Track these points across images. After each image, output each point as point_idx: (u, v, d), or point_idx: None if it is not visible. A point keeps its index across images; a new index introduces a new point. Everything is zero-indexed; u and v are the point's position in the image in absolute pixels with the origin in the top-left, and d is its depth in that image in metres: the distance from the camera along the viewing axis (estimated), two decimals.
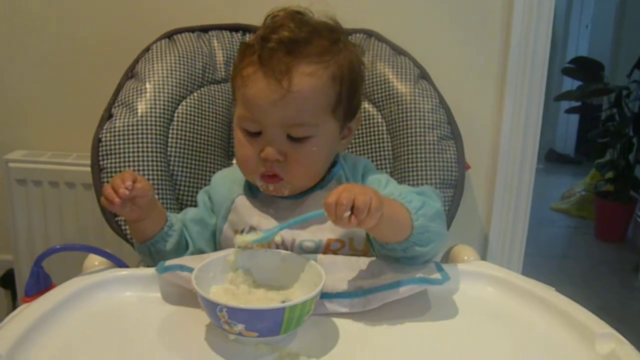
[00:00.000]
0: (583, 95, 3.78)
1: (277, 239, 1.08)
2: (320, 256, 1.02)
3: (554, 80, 4.95)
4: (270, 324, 0.82)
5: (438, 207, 1.04)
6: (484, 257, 1.71)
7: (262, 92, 1.03)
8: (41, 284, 1.02)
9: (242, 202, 1.14)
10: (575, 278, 3.10)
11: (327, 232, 1.09)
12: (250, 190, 1.16)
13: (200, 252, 1.13)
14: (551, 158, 5.29)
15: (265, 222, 1.11)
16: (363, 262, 1.02)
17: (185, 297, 0.94)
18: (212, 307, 0.82)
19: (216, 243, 1.17)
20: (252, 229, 1.10)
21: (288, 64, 1.02)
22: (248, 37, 1.44)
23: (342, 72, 1.07)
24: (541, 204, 4.10)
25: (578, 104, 4.13)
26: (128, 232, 1.22)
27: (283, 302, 0.88)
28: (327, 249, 1.09)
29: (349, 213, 0.88)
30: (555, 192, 4.33)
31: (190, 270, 0.92)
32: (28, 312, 0.89)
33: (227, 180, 1.20)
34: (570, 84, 4.40)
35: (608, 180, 3.72)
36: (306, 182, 1.12)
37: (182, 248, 1.13)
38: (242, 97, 1.07)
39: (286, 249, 1.08)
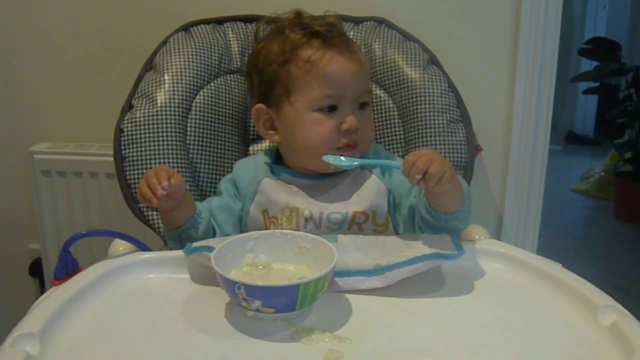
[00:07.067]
0: (600, 75, 3.76)
1: (306, 212, 1.15)
2: (340, 236, 1.06)
3: (571, 62, 4.92)
4: (285, 300, 0.85)
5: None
6: (498, 238, 1.73)
7: (343, 65, 1.14)
8: (69, 267, 1.06)
9: (268, 183, 1.19)
10: (595, 259, 3.09)
11: (353, 205, 1.15)
12: (273, 174, 1.21)
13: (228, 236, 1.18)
14: (570, 139, 5.26)
15: (292, 199, 1.16)
16: (382, 240, 1.06)
17: (210, 277, 0.97)
18: (230, 286, 0.86)
19: (242, 225, 1.22)
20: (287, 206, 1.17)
21: (348, 42, 1.17)
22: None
23: None
24: (561, 185, 4.10)
25: (596, 84, 4.09)
26: (151, 218, 1.27)
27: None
28: (353, 221, 1.15)
29: (420, 176, 0.96)
30: (574, 173, 4.32)
31: None
32: (57, 294, 0.93)
33: (251, 166, 1.25)
34: (589, 65, 4.37)
35: (627, 161, 3.70)
36: (367, 149, 1.21)
37: (209, 234, 1.18)
38: (319, 77, 1.14)
39: (315, 221, 1.14)
